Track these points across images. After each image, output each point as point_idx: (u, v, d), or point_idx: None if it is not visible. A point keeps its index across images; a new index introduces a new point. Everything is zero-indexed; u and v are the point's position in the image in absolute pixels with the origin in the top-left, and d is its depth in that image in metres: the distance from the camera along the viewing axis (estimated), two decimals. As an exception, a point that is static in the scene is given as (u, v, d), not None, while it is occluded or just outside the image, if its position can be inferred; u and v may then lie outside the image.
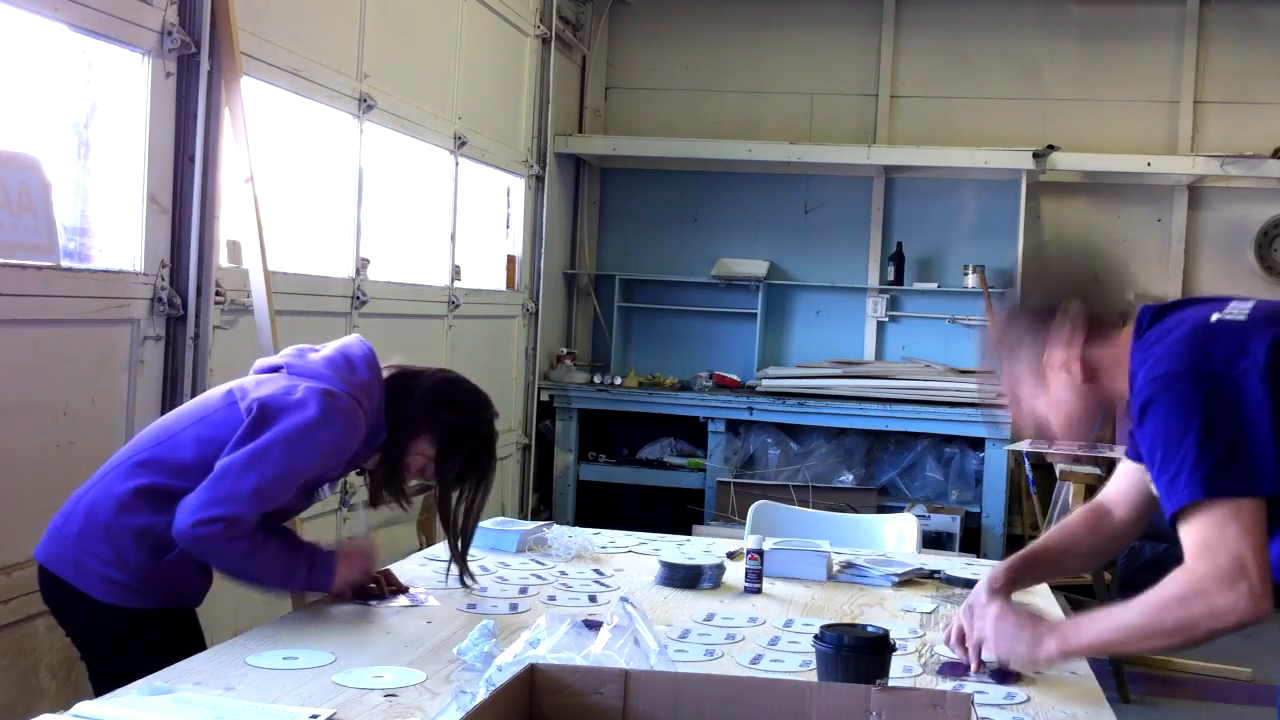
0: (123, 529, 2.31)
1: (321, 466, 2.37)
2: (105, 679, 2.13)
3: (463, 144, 5.77)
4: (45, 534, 2.40)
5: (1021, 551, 2.35)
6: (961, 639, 2.18)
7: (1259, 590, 1.78)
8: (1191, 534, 1.83)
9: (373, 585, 2.50)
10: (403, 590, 2.54)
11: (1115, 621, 1.93)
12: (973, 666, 2.15)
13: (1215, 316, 1.93)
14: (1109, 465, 4.88)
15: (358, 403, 2.39)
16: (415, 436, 2.47)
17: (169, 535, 2.28)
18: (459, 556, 2.60)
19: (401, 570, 2.78)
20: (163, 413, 3.30)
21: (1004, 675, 2.15)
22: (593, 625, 1.83)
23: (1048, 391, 2.09)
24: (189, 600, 2.45)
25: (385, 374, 2.51)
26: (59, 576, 2.35)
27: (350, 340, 2.53)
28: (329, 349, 2.49)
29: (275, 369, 2.48)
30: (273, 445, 2.28)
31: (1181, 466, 1.83)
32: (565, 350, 7.49)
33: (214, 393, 2.47)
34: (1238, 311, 1.94)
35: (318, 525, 4.40)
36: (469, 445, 2.51)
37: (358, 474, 2.61)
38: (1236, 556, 1.79)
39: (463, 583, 2.62)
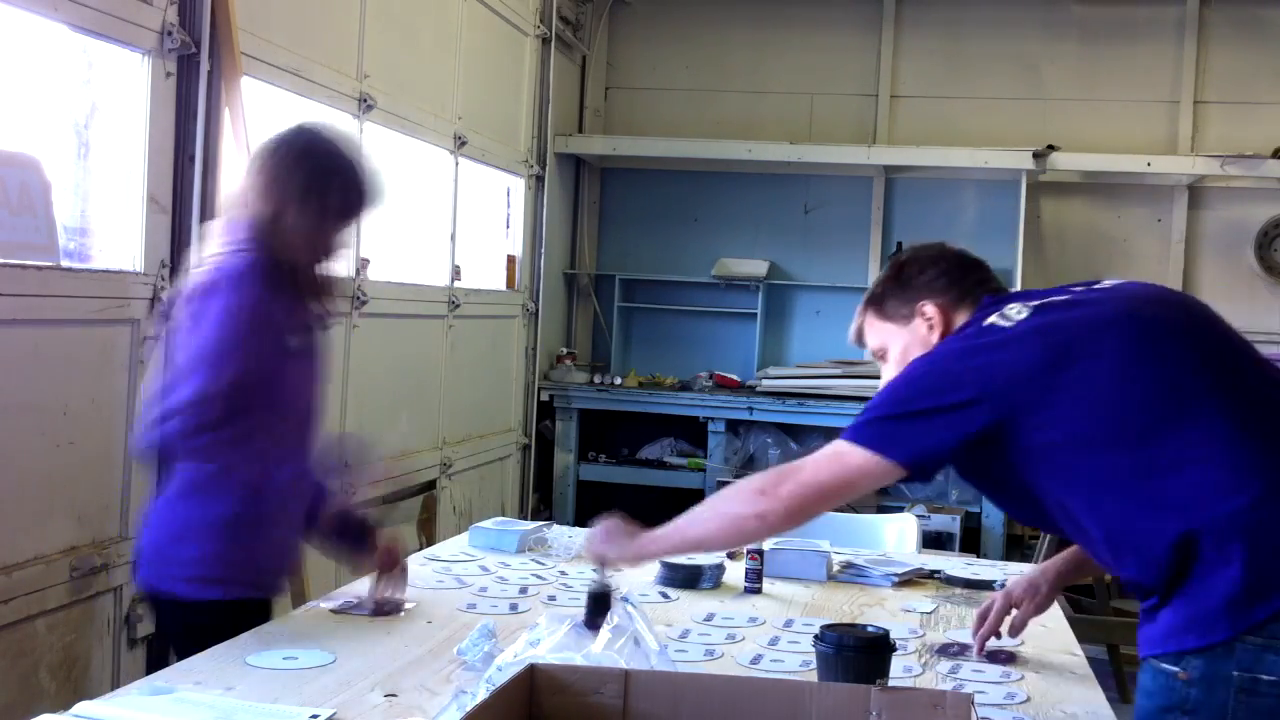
0: (195, 524, 2.34)
1: (262, 328, 2.35)
2: None
3: (463, 144, 5.77)
4: (138, 562, 2.46)
5: (1045, 564, 2.42)
6: (984, 618, 2.32)
7: (780, 513, 1.98)
8: (819, 454, 2.01)
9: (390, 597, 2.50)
10: (399, 608, 2.50)
11: (687, 516, 2.20)
12: (976, 650, 2.28)
13: (990, 320, 2.02)
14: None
15: (244, 254, 2.37)
16: (285, 211, 2.42)
17: (244, 509, 2.34)
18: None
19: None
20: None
21: (1000, 657, 2.25)
22: (593, 626, 1.83)
23: (902, 340, 2.20)
24: (271, 588, 2.50)
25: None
26: (152, 589, 2.41)
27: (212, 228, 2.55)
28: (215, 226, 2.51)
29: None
30: (219, 344, 2.30)
31: (864, 411, 1.99)
32: (565, 350, 7.49)
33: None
34: (1016, 311, 2.01)
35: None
36: (320, 185, 2.44)
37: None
38: (798, 480, 1.98)
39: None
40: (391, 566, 2.54)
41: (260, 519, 2.37)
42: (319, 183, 2.44)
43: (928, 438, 1.93)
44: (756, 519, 2.01)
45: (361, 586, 2.61)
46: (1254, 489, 1.81)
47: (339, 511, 2.56)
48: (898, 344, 2.21)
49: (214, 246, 2.44)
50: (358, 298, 4.74)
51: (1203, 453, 1.84)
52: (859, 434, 1.98)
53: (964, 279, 2.21)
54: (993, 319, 2.02)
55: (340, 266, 2.56)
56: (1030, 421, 1.89)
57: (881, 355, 2.26)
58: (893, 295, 2.24)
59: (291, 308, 2.44)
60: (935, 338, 2.15)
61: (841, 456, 1.98)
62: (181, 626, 2.38)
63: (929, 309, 2.18)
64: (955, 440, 1.92)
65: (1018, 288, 6.99)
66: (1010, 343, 1.95)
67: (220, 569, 2.34)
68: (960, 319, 2.15)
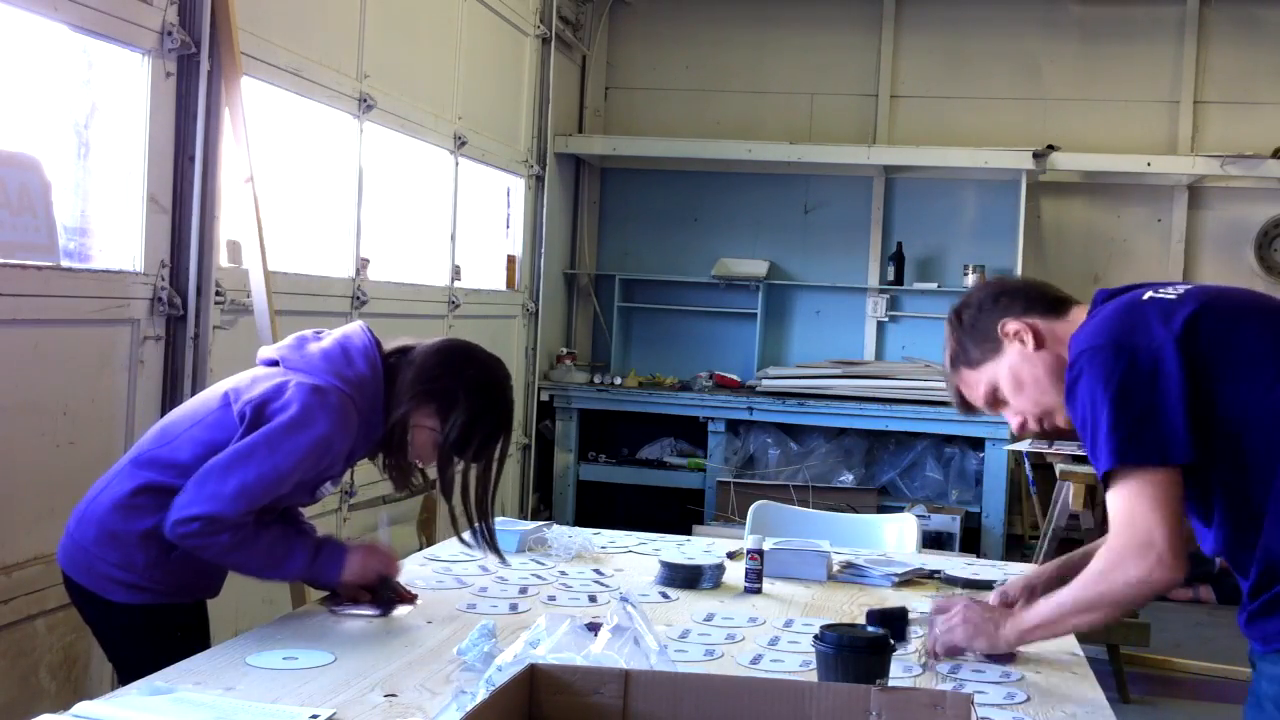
0: (127, 531, 2.32)
1: (314, 464, 2.35)
2: (129, 677, 2.13)
3: (463, 144, 5.77)
4: (61, 538, 2.42)
5: (1042, 567, 2.44)
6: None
7: (1168, 559, 1.89)
8: (1112, 507, 1.94)
9: (389, 593, 2.45)
10: (410, 600, 2.49)
11: (1055, 600, 2.08)
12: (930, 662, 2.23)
13: (1148, 295, 2.03)
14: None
15: (349, 397, 2.36)
16: (414, 409, 2.41)
17: (158, 531, 2.29)
18: (485, 536, 2.53)
19: (401, 570, 2.78)
20: (163, 413, 3.30)
21: (999, 656, 2.23)
22: (593, 627, 1.83)
23: (1004, 367, 2.17)
24: (205, 593, 2.47)
25: (387, 355, 2.48)
26: (76, 581, 2.37)
27: (352, 329, 2.50)
28: (330, 339, 2.47)
29: (274, 362, 2.47)
30: (257, 446, 2.27)
31: (1097, 434, 1.93)
32: (565, 350, 7.49)
33: (213, 391, 2.46)
34: (1170, 291, 2.04)
35: (317, 526, 4.39)
36: (472, 406, 2.40)
37: (377, 465, 2.56)
38: (1146, 528, 1.90)
39: (498, 554, 2.61)
40: (384, 570, 2.49)
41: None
42: (469, 426, 2.40)
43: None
44: (1144, 584, 1.94)
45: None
46: None
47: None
48: (1003, 374, 2.18)
49: (341, 363, 2.40)
50: (358, 298, 4.74)
51: None
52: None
53: (1023, 290, 2.23)
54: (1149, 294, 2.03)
55: (417, 454, 2.48)
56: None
57: (994, 399, 2.21)
58: (969, 340, 2.22)
59: (345, 450, 2.40)
60: (1033, 347, 2.14)
61: (1135, 499, 1.92)
62: (106, 625, 2.38)
63: (1011, 325, 2.16)
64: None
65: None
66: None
67: (145, 579, 2.32)
68: (1050, 323, 2.15)
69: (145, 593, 2.33)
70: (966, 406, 2.27)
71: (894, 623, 2.26)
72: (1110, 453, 1.91)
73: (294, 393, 2.32)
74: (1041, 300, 2.19)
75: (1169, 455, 1.90)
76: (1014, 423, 2.21)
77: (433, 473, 2.52)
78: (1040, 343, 2.14)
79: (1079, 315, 2.14)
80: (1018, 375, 2.15)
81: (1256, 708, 2.00)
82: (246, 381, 2.42)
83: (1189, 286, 2.06)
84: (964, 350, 2.22)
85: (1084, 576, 2.01)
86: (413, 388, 2.41)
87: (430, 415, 2.41)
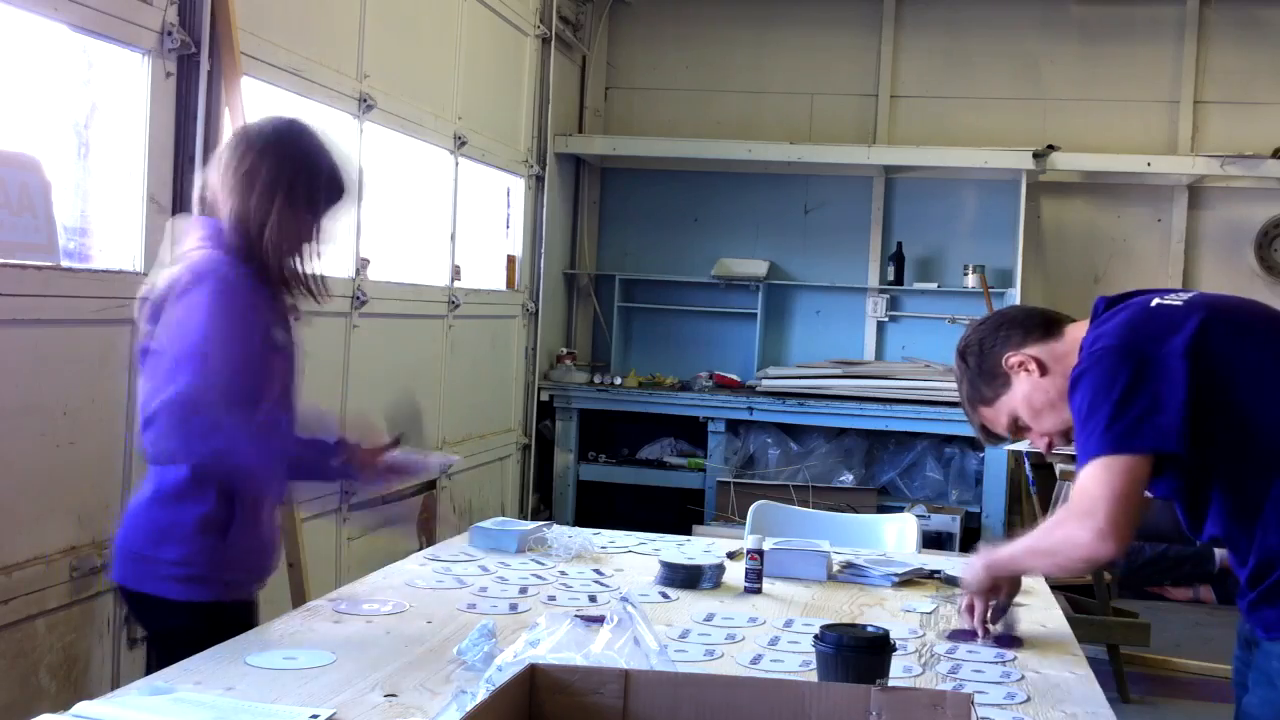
0: (180, 523, 2.34)
1: (248, 325, 2.33)
2: None
3: (463, 144, 5.77)
4: (115, 557, 2.44)
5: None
6: (971, 609, 2.39)
7: (1105, 530, 2.03)
8: (1080, 478, 2.08)
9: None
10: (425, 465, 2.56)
11: (1019, 542, 2.29)
12: (980, 635, 2.36)
13: (1156, 301, 2.16)
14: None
15: (213, 251, 2.35)
16: (241, 202, 2.38)
17: (219, 512, 2.33)
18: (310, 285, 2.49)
19: (401, 570, 2.78)
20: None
21: (1006, 640, 2.35)
22: (592, 620, 1.83)
23: (1018, 398, 2.30)
24: (265, 569, 2.51)
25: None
26: (138, 591, 2.39)
27: (186, 225, 2.49)
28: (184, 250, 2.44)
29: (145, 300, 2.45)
30: (201, 343, 2.26)
31: (1094, 426, 2.05)
32: (565, 350, 7.49)
33: (143, 366, 2.45)
34: (1175, 298, 2.17)
35: (317, 526, 4.40)
36: (274, 158, 2.40)
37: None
38: (1092, 500, 2.04)
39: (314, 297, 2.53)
40: (379, 464, 2.51)
41: (236, 520, 2.37)
42: (289, 176, 2.41)
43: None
44: (1080, 545, 2.08)
45: (367, 583, 2.61)
46: None
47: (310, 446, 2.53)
48: (1019, 404, 2.30)
49: (189, 243, 2.41)
50: (358, 298, 4.74)
51: None
52: None
53: (1019, 319, 2.34)
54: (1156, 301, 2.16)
55: (314, 260, 2.49)
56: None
57: (1017, 427, 2.34)
58: (979, 381, 2.34)
59: (270, 303, 2.42)
60: (1039, 374, 2.27)
61: (1097, 475, 2.06)
62: (162, 625, 2.40)
63: (1014, 359, 2.28)
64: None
65: (1018, 288, 7.01)
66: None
67: (200, 568, 2.34)
68: (1049, 347, 2.27)
69: (208, 585, 2.34)
70: (993, 437, 2.41)
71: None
72: (1105, 444, 2.04)
73: (182, 282, 2.31)
74: (1038, 326, 2.31)
75: (1163, 443, 2.02)
76: (1041, 445, 2.34)
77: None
78: (1044, 369, 2.27)
79: (1076, 331, 2.27)
80: (1032, 403, 2.28)
81: (1269, 685, 2.09)
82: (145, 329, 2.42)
83: (1192, 295, 2.18)
84: (977, 391, 2.35)
85: (1042, 527, 2.21)
86: (225, 186, 2.38)
87: (250, 197, 2.37)
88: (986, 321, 2.39)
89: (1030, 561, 2.31)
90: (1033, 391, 2.27)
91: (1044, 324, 2.31)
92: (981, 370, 2.33)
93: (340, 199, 2.51)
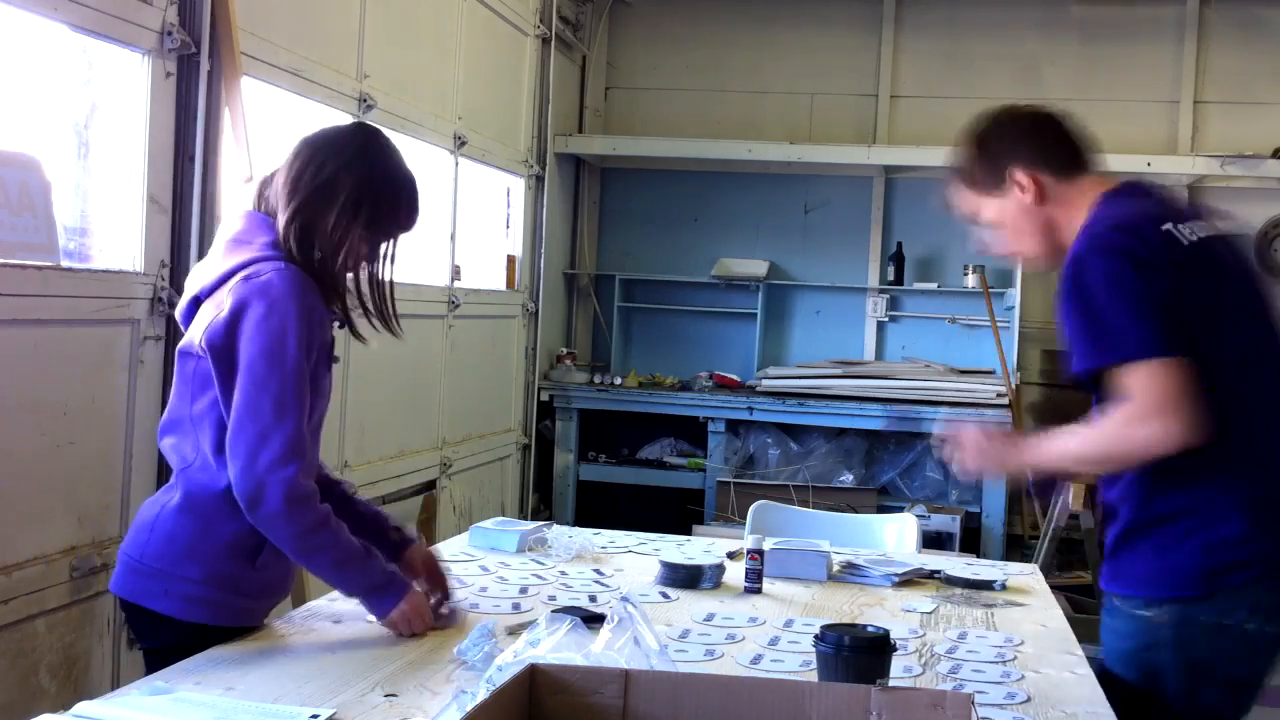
0: (210, 540, 2.21)
1: (307, 339, 2.19)
2: None
3: (463, 144, 5.77)
4: (119, 566, 2.29)
5: None
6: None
7: (1185, 419, 2.00)
8: (1133, 379, 2.03)
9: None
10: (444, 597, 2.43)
11: (1070, 442, 2.16)
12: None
13: (1167, 227, 2.12)
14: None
15: (278, 262, 2.23)
16: (311, 217, 2.26)
17: (255, 534, 2.19)
18: (379, 310, 2.38)
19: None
20: (162, 412, 3.30)
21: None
22: (591, 618, 1.83)
23: (998, 206, 2.27)
24: (283, 590, 2.37)
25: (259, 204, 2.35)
26: (146, 607, 2.23)
27: (229, 221, 2.38)
28: (219, 245, 2.32)
29: (196, 301, 2.31)
30: (254, 362, 2.14)
31: (1122, 327, 2.03)
32: (565, 350, 7.49)
33: (179, 368, 2.33)
34: (1190, 233, 2.13)
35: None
36: (356, 175, 2.30)
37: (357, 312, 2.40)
38: (1167, 394, 2.00)
39: (391, 330, 2.43)
40: (437, 579, 2.44)
41: (263, 543, 2.22)
42: (373, 195, 2.32)
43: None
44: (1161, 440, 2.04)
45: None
46: None
47: (368, 515, 2.46)
48: (994, 211, 2.28)
49: (248, 251, 2.25)
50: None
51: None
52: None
53: (1048, 132, 2.28)
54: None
55: (380, 279, 2.40)
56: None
57: (974, 220, 2.32)
58: (979, 167, 2.29)
59: (326, 317, 2.30)
60: (1033, 200, 2.22)
61: (1155, 374, 2.03)
62: (161, 643, 2.22)
63: (1019, 175, 2.23)
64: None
65: (1018, 287, 7.01)
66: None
67: (221, 592, 2.21)
68: (1057, 182, 2.22)
69: (223, 610, 2.21)
70: (949, 205, 2.38)
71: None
72: (1140, 344, 2.01)
73: (241, 296, 2.18)
74: (1058, 155, 2.25)
75: (1186, 348, 2.02)
76: (976, 246, 2.35)
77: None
78: (1041, 199, 2.23)
79: (1089, 188, 2.22)
80: (1006, 219, 2.26)
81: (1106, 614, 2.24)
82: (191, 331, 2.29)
83: (1203, 236, 2.14)
84: (971, 171, 2.31)
85: (1104, 425, 2.09)
86: (294, 192, 2.27)
87: (326, 212, 2.27)
88: (1019, 118, 2.32)
89: (1087, 469, 2.30)
90: (1017, 212, 2.25)
91: (1063, 156, 2.26)
92: (987, 159, 2.28)
93: (414, 224, 2.43)
